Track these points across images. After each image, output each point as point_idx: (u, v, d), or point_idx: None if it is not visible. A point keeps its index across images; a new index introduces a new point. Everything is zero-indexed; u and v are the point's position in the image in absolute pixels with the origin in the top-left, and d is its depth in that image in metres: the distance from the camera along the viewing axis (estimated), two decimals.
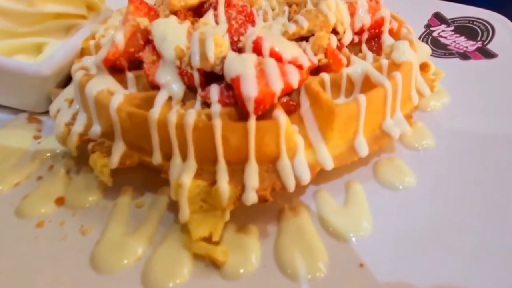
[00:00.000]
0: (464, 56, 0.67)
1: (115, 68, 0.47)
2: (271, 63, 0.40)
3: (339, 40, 0.52)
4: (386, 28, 0.54)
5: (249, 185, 0.36)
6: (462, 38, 0.71)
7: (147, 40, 0.48)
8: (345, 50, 0.52)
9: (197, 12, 0.55)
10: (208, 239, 0.37)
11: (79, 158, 0.46)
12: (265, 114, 0.39)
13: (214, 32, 0.46)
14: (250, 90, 0.37)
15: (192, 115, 0.38)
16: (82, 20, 0.61)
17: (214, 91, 0.41)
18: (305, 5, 0.56)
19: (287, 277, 0.37)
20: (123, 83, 0.48)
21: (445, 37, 0.73)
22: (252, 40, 0.44)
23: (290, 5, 0.57)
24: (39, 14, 0.52)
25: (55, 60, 0.51)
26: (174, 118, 0.38)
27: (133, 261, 0.37)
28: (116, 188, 0.43)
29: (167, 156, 0.40)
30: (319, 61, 0.48)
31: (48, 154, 0.49)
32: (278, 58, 0.44)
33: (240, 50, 0.47)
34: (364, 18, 0.53)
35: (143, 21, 0.47)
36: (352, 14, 0.54)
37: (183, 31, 0.48)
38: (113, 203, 0.43)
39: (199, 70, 0.43)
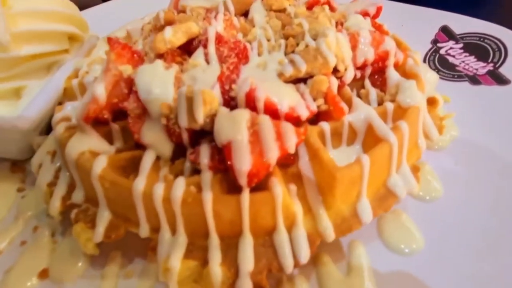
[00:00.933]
0: (474, 80, 0.63)
1: (98, 121, 0.44)
2: (266, 123, 0.37)
3: (340, 78, 0.48)
4: (391, 62, 0.50)
5: (243, 269, 0.34)
6: (472, 58, 0.66)
7: (131, 89, 0.44)
8: (347, 89, 0.49)
9: (186, 48, 0.51)
10: None
11: (64, 219, 0.43)
12: (260, 182, 0.36)
13: (202, 84, 0.43)
14: (243, 163, 0.33)
15: (181, 187, 0.35)
16: (64, 54, 0.57)
17: (204, 154, 0.37)
18: (302, 37, 0.52)
19: None
20: (108, 135, 0.44)
21: (454, 56, 0.68)
22: (244, 92, 0.40)
23: (286, 37, 0.53)
24: (16, 57, 0.48)
25: (34, 110, 0.48)
26: (161, 191, 0.35)
27: None
28: (103, 253, 0.41)
29: (155, 228, 0.37)
30: (318, 107, 0.44)
31: (31, 213, 0.46)
32: (273, 110, 0.41)
33: (232, 100, 0.43)
34: (367, 53, 0.49)
35: (126, 69, 0.43)
36: (354, 47, 0.50)
37: (170, 79, 0.44)
38: (101, 273, 0.40)
39: (187, 129, 0.39)
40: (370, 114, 0.43)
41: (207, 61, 0.48)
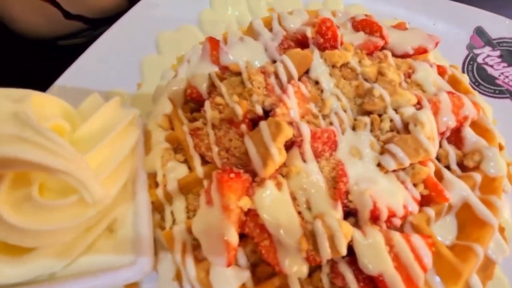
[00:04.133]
0: None
1: None
2: (401, 245, 0.41)
3: None
4: (467, 123, 0.53)
5: None
6: (511, 70, 0.69)
7: (250, 216, 0.45)
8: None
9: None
10: None
11: None
12: None
13: (318, 198, 0.44)
14: None
15: None
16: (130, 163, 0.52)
17: (350, 279, 0.42)
18: (384, 111, 0.52)
19: None
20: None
21: (492, 66, 0.70)
22: (369, 209, 0.43)
23: (367, 112, 0.52)
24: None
25: (147, 248, 0.46)
26: None
27: None
28: None
29: None
30: (420, 193, 0.48)
31: None
32: (392, 215, 0.45)
33: (347, 207, 0.45)
34: (449, 121, 0.51)
35: (246, 203, 0.43)
36: (435, 114, 0.51)
37: (288, 200, 0.44)
38: None
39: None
40: (467, 195, 0.48)
41: (304, 160, 0.48)
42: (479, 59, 0.72)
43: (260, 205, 0.43)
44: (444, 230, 0.50)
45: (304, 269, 0.43)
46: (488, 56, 0.72)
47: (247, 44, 0.62)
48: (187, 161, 0.55)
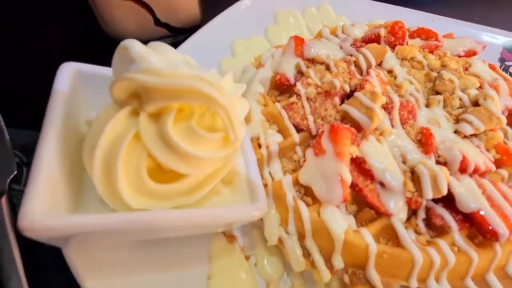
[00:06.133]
0: None
1: None
2: (493, 190, 0.48)
3: None
4: None
5: None
6: None
7: (354, 164, 0.52)
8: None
9: None
10: None
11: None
12: None
13: (411, 151, 0.52)
14: (501, 227, 0.45)
15: (449, 252, 0.46)
16: None
17: (449, 219, 0.48)
18: (453, 92, 0.62)
19: None
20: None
21: None
22: (459, 160, 0.51)
23: (439, 91, 0.62)
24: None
25: (261, 193, 0.52)
26: (438, 258, 0.46)
27: None
28: None
29: (423, 280, 0.48)
30: (492, 157, 0.56)
31: (275, 277, 0.54)
32: (477, 169, 0.52)
33: (438, 161, 0.53)
34: (507, 103, 0.61)
35: (355, 151, 0.51)
36: None
37: (389, 154, 0.52)
38: None
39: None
40: None
41: (392, 126, 0.57)
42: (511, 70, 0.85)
43: (367, 152, 0.51)
44: None
45: (404, 213, 0.50)
46: None
47: (324, 43, 0.74)
48: (280, 132, 0.64)
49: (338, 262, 0.49)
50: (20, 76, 0.80)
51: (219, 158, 0.49)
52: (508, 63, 0.86)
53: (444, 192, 0.48)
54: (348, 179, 0.48)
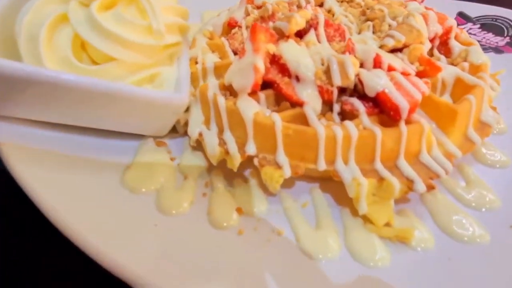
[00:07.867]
0: (497, 50, 0.81)
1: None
2: (401, 77, 0.49)
3: None
4: (453, 35, 0.65)
5: (415, 178, 0.46)
6: (490, 35, 0.84)
7: (273, 63, 0.54)
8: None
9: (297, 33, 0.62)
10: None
11: (227, 172, 0.53)
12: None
13: (331, 52, 0.54)
14: (403, 103, 0.45)
15: (353, 128, 0.46)
16: (178, 47, 0.65)
17: (358, 104, 0.49)
18: (383, 19, 0.65)
19: None
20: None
21: (475, 34, 0.86)
22: (373, 58, 0.53)
23: (370, 20, 0.66)
24: (160, 46, 0.56)
25: (186, 88, 0.56)
26: (341, 133, 0.46)
27: (332, 252, 0.45)
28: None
29: (330, 161, 0.48)
30: (416, 68, 0.58)
31: (195, 171, 0.54)
32: (392, 68, 0.53)
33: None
34: (437, 28, 0.64)
35: (271, 48, 0.54)
36: (425, 22, 0.64)
37: (306, 53, 0.55)
38: (282, 207, 0.50)
39: (337, 87, 0.51)
40: (457, 71, 0.57)
41: (319, 41, 0.60)
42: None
43: (284, 49, 0.53)
44: None
45: (318, 103, 0.51)
46: (471, 28, 0.87)
47: None
48: (221, 58, 0.68)
49: (250, 148, 0.50)
50: None
51: (143, 48, 0.54)
52: (461, 27, 0.89)
53: (352, 78, 0.49)
54: (261, 67, 0.51)
